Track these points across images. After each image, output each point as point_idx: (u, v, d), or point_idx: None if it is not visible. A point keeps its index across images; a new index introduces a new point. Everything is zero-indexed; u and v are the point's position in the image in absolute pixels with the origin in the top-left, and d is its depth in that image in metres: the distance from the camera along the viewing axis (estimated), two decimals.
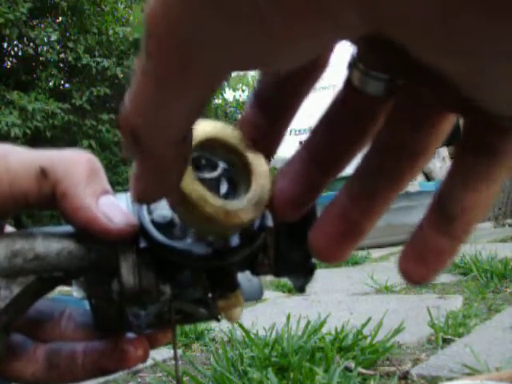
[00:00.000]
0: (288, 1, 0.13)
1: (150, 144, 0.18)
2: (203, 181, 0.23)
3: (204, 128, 0.23)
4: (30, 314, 0.31)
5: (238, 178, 0.24)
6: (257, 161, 0.24)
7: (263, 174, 0.24)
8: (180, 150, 0.19)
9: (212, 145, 0.24)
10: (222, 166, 0.24)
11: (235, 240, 0.26)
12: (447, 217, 0.20)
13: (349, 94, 0.21)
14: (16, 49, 7.60)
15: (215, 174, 0.24)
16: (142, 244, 0.26)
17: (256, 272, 0.28)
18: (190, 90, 0.17)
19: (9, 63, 6.13)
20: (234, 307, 0.28)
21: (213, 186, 0.24)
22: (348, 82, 0.21)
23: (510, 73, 0.13)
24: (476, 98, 0.15)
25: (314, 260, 0.28)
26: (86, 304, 0.29)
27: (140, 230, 0.26)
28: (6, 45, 5.84)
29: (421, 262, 0.21)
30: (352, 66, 0.20)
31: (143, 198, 0.21)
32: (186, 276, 0.27)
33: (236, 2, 0.14)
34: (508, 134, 0.19)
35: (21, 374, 0.30)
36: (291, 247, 0.28)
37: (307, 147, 0.23)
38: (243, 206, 0.23)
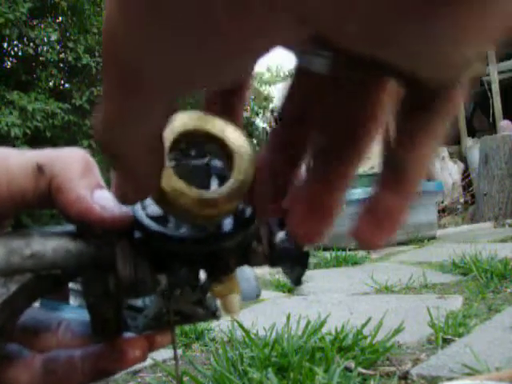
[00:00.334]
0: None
1: (123, 156, 0.20)
2: (194, 168, 0.24)
3: (182, 120, 0.24)
4: (27, 323, 0.31)
5: (225, 168, 0.25)
6: (240, 148, 0.25)
7: (245, 164, 0.24)
8: (153, 157, 0.20)
9: (193, 135, 0.24)
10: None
11: (228, 226, 0.26)
12: (397, 175, 0.21)
13: (299, 79, 0.23)
14: (16, 49, 7.60)
15: (204, 161, 0.24)
16: (137, 234, 0.26)
17: (251, 262, 0.28)
18: (143, 110, 0.18)
19: (9, 63, 6.14)
20: (230, 292, 0.28)
21: (202, 172, 0.24)
22: (297, 68, 0.23)
23: (420, 42, 0.14)
24: (402, 67, 0.16)
25: (308, 248, 0.28)
26: (84, 312, 0.29)
27: (135, 223, 0.26)
28: (5, 45, 5.85)
29: (375, 225, 0.21)
30: (296, 54, 0.21)
31: (126, 200, 0.23)
32: (182, 266, 0.27)
33: (185, 12, 0.14)
34: (438, 93, 0.20)
35: (16, 381, 0.30)
36: (284, 235, 0.28)
37: (272, 138, 0.24)
38: (220, 195, 0.23)
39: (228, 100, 0.25)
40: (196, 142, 0.25)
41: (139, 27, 0.15)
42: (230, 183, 0.24)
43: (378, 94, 0.22)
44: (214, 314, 0.30)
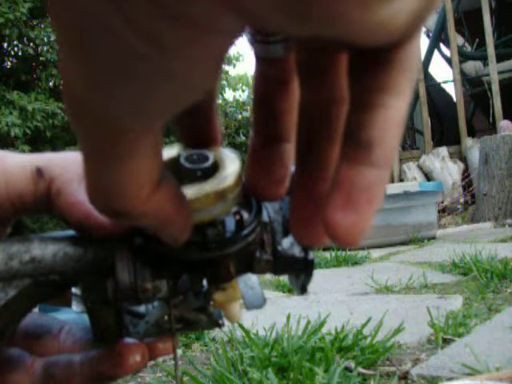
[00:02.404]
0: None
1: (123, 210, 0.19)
2: (199, 171, 0.24)
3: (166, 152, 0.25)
4: (28, 328, 0.31)
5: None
6: (224, 155, 0.25)
7: (229, 168, 0.24)
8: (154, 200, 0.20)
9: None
10: (211, 156, 0.25)
11: (229, 232, 0.26)
12: (364, 145, 0.19)
13: (260, 69, 0.23)
14: (16, 49, 7.59)
15: (208, 163, 0.24)
16: (138, 241, 0.26)
17: (254, 269, 0.28)
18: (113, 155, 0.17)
19: (9, 63, 6.14)
20: (232, 300, 0.28)
21: (208, 174, 0.24)
22: (256, 60, 0.23)
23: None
24: (335, 38, 0.16)
25: (312, 256, 0.28)
26: (86, 318, 0.29)
27: (135, 228, 0.26)
28: (5, 45, 5.84)
29: (350, 206, 0.19)
30: (251, 40, 0.22)
31: (182, 238, 0.23)
32: (183, 272, 0.27)
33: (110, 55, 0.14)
34: (386, 53, 0.19)
35: None
36: (288, 243, 0.28)
37: (253, 129, 0.25)
38: (193, 196, 0.23)
39: (199, 115, 0.25)
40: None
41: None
42: (206, 184, 0.24)
43: (337, 69, 0.22)
44: (216, 323, 0.30)
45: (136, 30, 0.14)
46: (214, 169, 0.24)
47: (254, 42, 0.22)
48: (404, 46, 0.18)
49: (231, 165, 0.24)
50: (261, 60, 0.23)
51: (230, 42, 0.15)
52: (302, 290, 0.29)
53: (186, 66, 0.15)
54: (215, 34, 0.14)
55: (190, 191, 0.23)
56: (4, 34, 6.49)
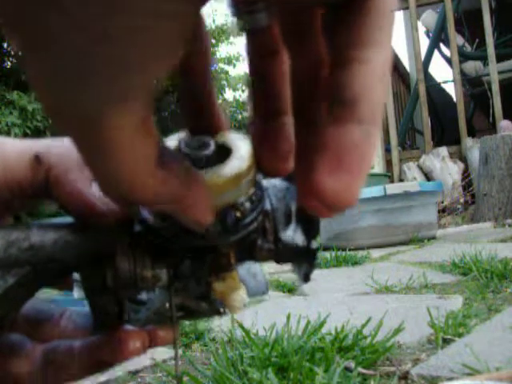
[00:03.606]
0: None
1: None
2: (202, 158, 0.24)
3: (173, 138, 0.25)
4: (29, 313, 0.31)
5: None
6: (234, 139, 0.25)
7: (241, 150, 0.24)
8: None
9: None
10: (212, 143, 0.25)
11: (230, 221, 0.26)
12: (348, 103, 0.19)
13: (251, 44, 0.23)
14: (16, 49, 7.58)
15: (210, 150, 0.24)
16: (137, 228, 0.26)
17: (256, 258, 0.28)
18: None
19: (9, 63, 6.13)
20: (232, 290, 0.27)
21: (209, 161, 0.24)
22: (246, 36, 0.23)
23: None
24: None
25: (316, 244, 0.28)
26: (87, 305, 0.29)
27: (135, 217, 0.26)
28: (5, 45, 5.84)
29: (341, 168, 0.18)
30: (237, 14, 0.22)
31: (206, 221, 0.23)
32: (184, 260, 0.27)
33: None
34: (356, 3, 0.19)
35: (17, 371, 0.30)
36: (291, 231, 0.28)
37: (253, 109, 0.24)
38: (211, 181, 0.23)
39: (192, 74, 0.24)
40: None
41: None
42: (238, 157, 0.24)
43: (318, 30, 0.21)
44: (218, 311, 0.29)
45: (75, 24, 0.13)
46: (223, 154, 0.24)
47: (240, 14, 0.22)
48: None
49: (243, 147, 0.24)
50: (250, 33, 0.23)
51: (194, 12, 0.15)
52: (305, 279, 0.28)
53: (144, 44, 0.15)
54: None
55: (207, 176, 0.23)
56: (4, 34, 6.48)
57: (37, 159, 0.27)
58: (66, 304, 0.33)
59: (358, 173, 0.19)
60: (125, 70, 0.15)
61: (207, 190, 0.22)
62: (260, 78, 0.24)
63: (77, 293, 0.28)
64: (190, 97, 0.24)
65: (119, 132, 0.17)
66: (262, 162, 0.24)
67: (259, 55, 0.24)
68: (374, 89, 0.19)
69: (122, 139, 0.17)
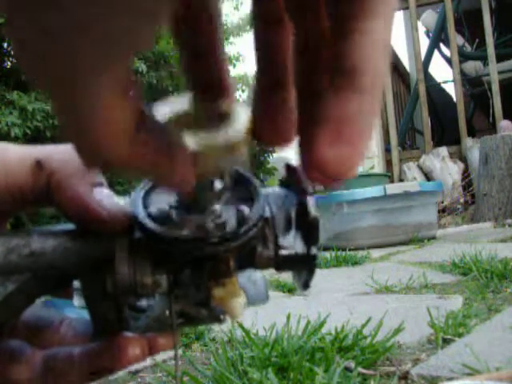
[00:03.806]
0: None
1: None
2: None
3: (173, 103, 0.24)
4: (29, 320, 0.31)
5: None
6: (235, 108, 0.24)
7: (239, 120, 0.24)
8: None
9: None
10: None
11: (230, 227, 0.26)
12: (349, 73, 0.19)
13: (256, 11, 0.23)
14: None
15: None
16: (137, 234, 0.26)
17: (256, 265, 0.28)
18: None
19: (9, 63, 6.13)
20: (232, 296, 0.27)
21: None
22: (252, 4, 0.23)
23: None
24: None
25: (316, 251, 0.28)
26: (86, 313, 0.29)
27: (135, 223, 0.26)
28: (5, 45, 5.84)
29: (341, 139, 0.18)
30: None
31: (188, 185, 0.22)
32: (184, 267, 0.27)
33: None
34: None
35: (17, 378, 0.30)
36: (291, 238, 0.27)
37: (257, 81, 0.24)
38: (201, 145, 0.22)
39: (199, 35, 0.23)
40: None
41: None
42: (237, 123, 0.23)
43: (321, 1, 0.21)
44: (217, 318, 0.29)
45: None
46: (222, 121, 0.24)
47: None
48: None
49: (242, 117, 0.24)
50: (255, 2, 0.23)
51: None
52: (305, 286, 0.28)
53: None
54: None
55: (198, 139, 0.22)
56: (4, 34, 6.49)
57: (38, 165, 0.27)
58: (65, 306, 0.33)
59: (359, 143, 0.19)
60: (107, 36, 0.15)
61: (190, 156, 0.21)
62: (264, 48, 0.24)
63: (77, 301, 0.29)
64: (195, 56, 0.24)
65: (99, 91, 0.17)
66: (263, 134, 0.24)
67: (264, 21, 0.23)
68: (374, 60, 0.19)
69: (102, 99, 0.17)
